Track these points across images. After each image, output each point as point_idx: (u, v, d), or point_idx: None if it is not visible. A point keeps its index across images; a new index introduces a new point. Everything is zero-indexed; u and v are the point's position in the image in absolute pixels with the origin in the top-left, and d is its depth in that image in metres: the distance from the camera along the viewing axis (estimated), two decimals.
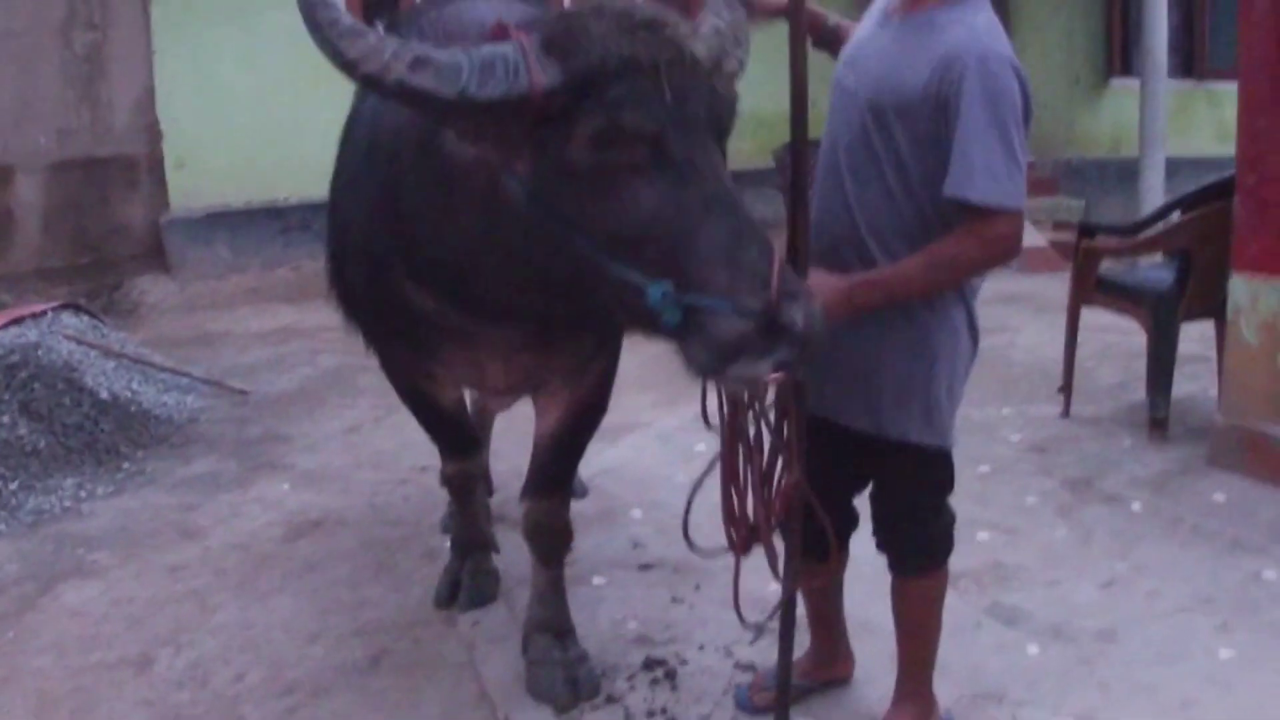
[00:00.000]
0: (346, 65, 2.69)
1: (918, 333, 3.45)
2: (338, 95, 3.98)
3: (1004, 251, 3.26)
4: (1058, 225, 13.27)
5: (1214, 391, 7.27)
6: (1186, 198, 6.96)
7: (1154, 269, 7.02)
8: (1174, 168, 12.76)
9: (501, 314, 3.53)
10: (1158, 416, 6.82)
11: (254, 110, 11.60)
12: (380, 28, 3.64)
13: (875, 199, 3.38)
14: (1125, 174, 13.61)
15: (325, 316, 4.98)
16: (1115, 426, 7.08)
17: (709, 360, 2.73)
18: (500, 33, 2.91)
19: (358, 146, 3.88)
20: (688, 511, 3.58)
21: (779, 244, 2.91)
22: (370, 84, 2.73)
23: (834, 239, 3.42)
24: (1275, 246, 5.98)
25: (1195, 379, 7.60)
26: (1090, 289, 7.16)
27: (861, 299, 3.28)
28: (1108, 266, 7.61)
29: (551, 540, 4.41)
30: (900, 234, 3.36)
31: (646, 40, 2.79)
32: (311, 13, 2.69)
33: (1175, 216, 7.07)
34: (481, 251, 3.22)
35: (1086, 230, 7.24)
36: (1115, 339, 8.53)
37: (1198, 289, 6.71)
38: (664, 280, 2.74)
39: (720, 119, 2.93)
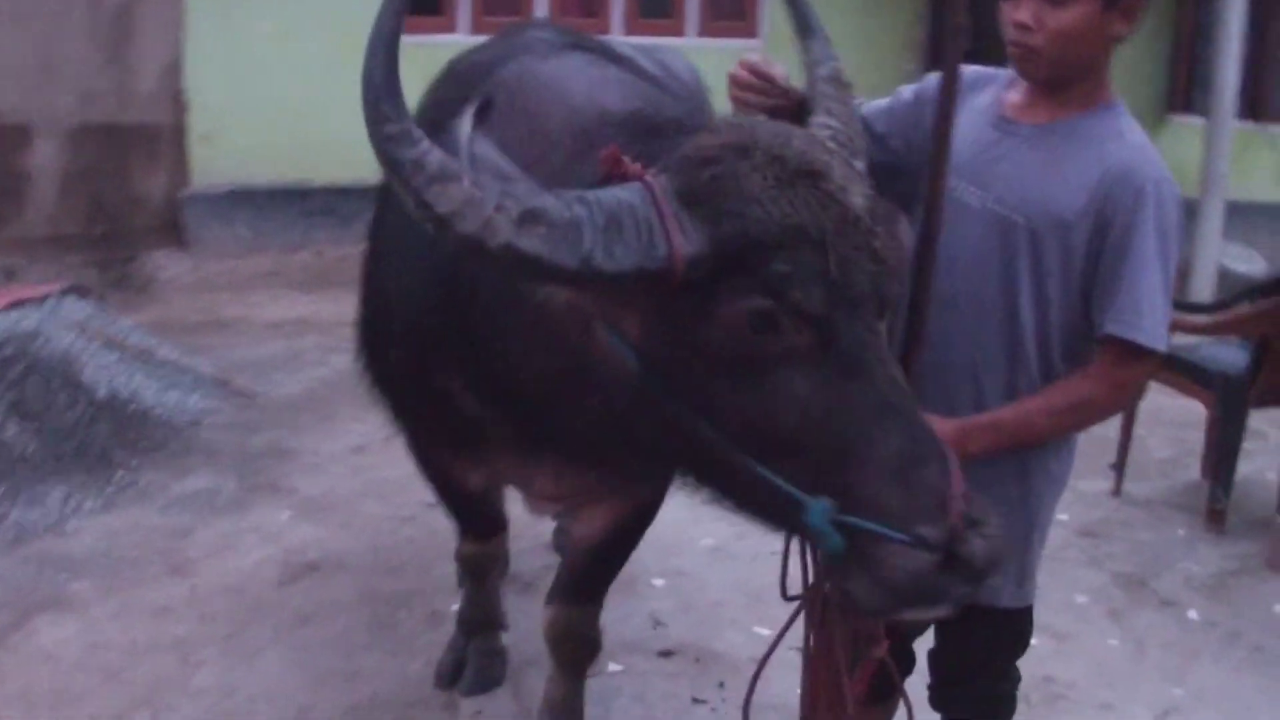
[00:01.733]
0: (437, 222, 2.22)
1: (1025, 488, 3.08)
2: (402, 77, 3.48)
3: (1130, 398, 3.07)
4: None
5: (1271, 475, 7.04)
6: (1267, 283, 6.58)
7: (1224, 348, 6.62)
8: (1232, 210, 12.45)
9: (571, 450, 3.06)
10: (1217, 508, 6.47)
11: (285, 87, 11.19)
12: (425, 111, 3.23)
13: (997, 326, 3.02)
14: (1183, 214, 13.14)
15: (343, 308, 4.53)
16: (1168, 510, 6.73)
17: (881, 600, 2.31)
18: (614, 164, 2.43)
19: None
20: (751, 692, 3.13)
21: None
22: (469, 248, 2.23)
23: (940, 367, 3.00)
24: None
25: (1251, 458, 7.19)
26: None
27: (976, 443, 2.88)
28: (1174, 341, 7.18)
29: (578, 650, 4.04)
30: (1022, 367, 3.03)
31: (809, 199, 2.35)
32: (390, 150, 2.23)
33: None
34: (564, 399, 2.73)
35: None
36: (1166, 403, 8.06)
37: (1271, 376, 6.32)
38: (822, 497, 2.30)
39: (884, 291, 2.45)
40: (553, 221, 2.23)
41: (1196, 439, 7.05)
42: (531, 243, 2.20)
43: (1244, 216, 13.66)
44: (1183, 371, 6.63)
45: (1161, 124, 14.83)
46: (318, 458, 6.98)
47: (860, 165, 2.68)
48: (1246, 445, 6.90)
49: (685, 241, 2.28)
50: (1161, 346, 2.84)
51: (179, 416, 7.32)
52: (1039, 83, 2.97)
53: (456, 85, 3.47)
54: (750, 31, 12.61)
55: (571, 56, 3.40)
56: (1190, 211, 12.44)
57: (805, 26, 3.04)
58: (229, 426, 7.43)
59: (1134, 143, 2.93)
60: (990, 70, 3.20)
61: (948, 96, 2.81)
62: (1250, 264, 13.56)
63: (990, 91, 3.14)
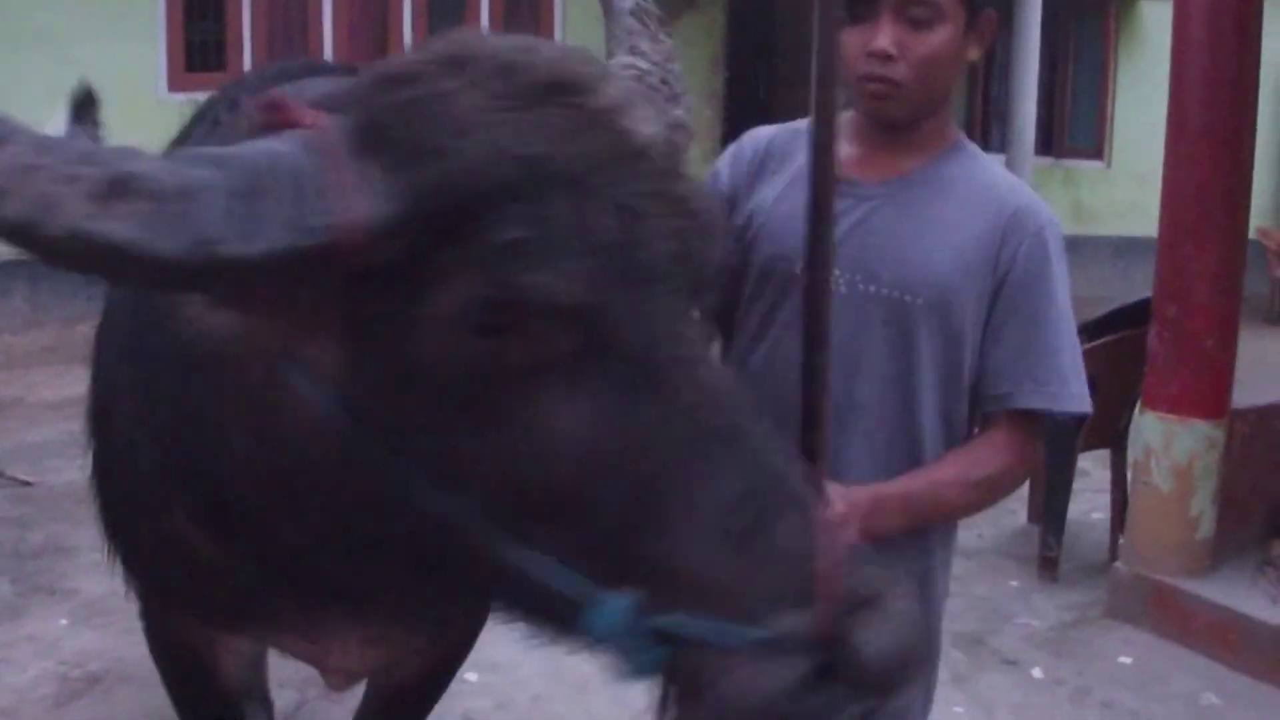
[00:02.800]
0: None
1: (926, 567, 2.63)
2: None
3: (1032, 470, 2.70)
4: None
5: (1098, 515, 6.97)
6: (1089, 324, 6.44)
7: None
8: None
9: (328, 591, 2.10)
10: (1049, 556, 6.35)
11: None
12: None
13: (892, 431, 2.51)
14: None
15: None
16: (999, 560, 6.56)
17: None
18: (276, 112, 1.56)
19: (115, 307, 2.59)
20: None
21: None
22: (22, 241, 1.36)
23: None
24: (1196, 385, 5.49)
25: (1077, 498, 6.98)
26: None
27: (888, 518, 2.39)
28: None
29: None
30: (903, 448, 2.53)
31: (560, 122, 1.55)
32: None
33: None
34: (273, 490, 1.84)
35: None
36: None
37: (1098, 419, 6.14)
38: (619, 589, 1.50)
39: (695, 261, 1.64)
40: (155, 192, 1.38)
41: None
42: (114, 225, 1.35)
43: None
44: None
45: None
46: (98, 553, 6.41)
47: (679, 112, 2.02)
48: (1076, 485, 6.80)
49: (362, 201, 1.46)
50: (1089, 409, 2.58)
51: None
52: (896, 124, 2.51)
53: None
54: None
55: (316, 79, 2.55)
56: None
57: None
58: (4, 522, 6.85)
59: (1010, 183, 2.59)
60: (792, 126, 2.69)
61: (823, 160, 2.13)
62: None
63: (804, 154, 2.42)
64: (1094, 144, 16.08)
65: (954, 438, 2.54)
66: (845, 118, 2.51)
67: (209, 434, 1.92)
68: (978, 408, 2.55)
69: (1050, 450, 6.21)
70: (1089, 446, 6.43)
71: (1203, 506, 5.54)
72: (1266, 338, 13.12)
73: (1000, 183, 2.56)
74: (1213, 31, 5.40)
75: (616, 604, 1.49)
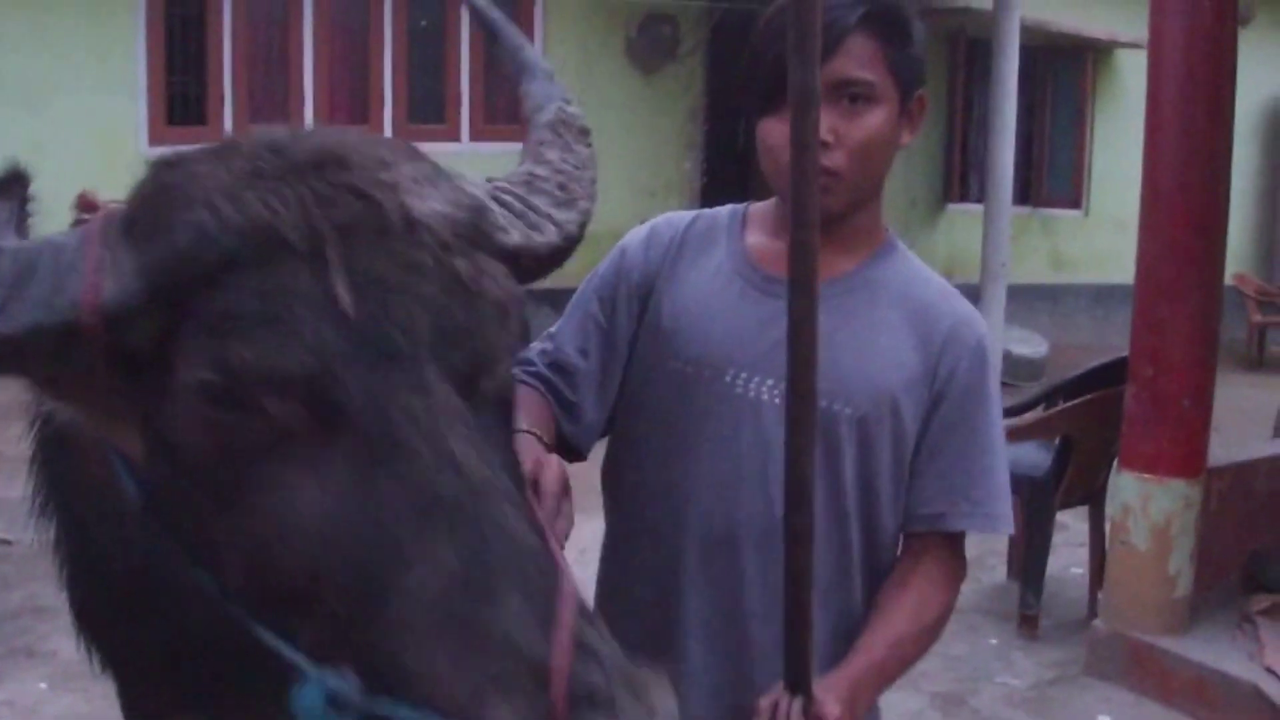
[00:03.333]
0: None
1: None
2: (127, 185, 3.04)
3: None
4: None
5: (1076, 570, 6.98)
6: (1065, 384, 6.51)
7: (1025, 449, 6.49)
8: (1009, 293, 12.68)
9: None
10: (1029, 614, 6.33)
11: (44, 197, 10.62)
12: None
13: (823, 552, 2.19)
14: None
15: None
16: (979, 618, 6.54)
17: None
18: (86, 207, 1.65)
19: None
20: None
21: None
22: None
23: (738, 617, 2.35)
24: (1173, 445, 5.50)
25: (1056, 553, 7.02)
26: None
27: (865, 701, 2.24)
28: None
29: None
30: (849, 595, 2.36)
31: (307, 194, 1.50)
32: None
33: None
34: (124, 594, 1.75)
35: None
36: None
37: (1075, 476, 6.23)
38: (335, 667, 1.42)
39: (467, 339, 1.53)
40: None
41: (1000, 537, 6.82)
42: None
43: (1022, 299, 13.85)
44: None
45: (940, 213, 15.01)
46: None
47: (570, 216, 1.89)
48: (1055, 539, 6.81)
49: (105, 280, 1.45)
50: (1013, 529, 2.44)
51: None
52: (832, 217, 2.21)
53: None
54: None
55: None
56: (972, 297, 12.56)
57: (520, 66, 2.17)
58: None
59: (944, 289, 2.41)
60: (712, 214, 2.53)
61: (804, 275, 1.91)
62: (1033, 346, 13.74)
63: (722, 245, 2.44)
64: (1071, 193, 16.17)
65: (879, 555, 2.37)
66: (766, 208, 2.43)
67: (72, 523, 1.86)
68: (905, 525, 2.37)
69: (1028, 508, 6.26)
70: (1067, 504, 6.43)
71: (1180, 565, 5.56)
72: (1245, 384, 13.16)
73: (935, 289, 2.40)
74: (1185, 92, 5.46)
75: (324, 683, 1.41)
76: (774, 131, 2.23)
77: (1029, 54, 13.34)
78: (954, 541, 2.36)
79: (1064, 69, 15.97)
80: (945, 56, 15.00)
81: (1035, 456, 6.41)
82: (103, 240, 1.47)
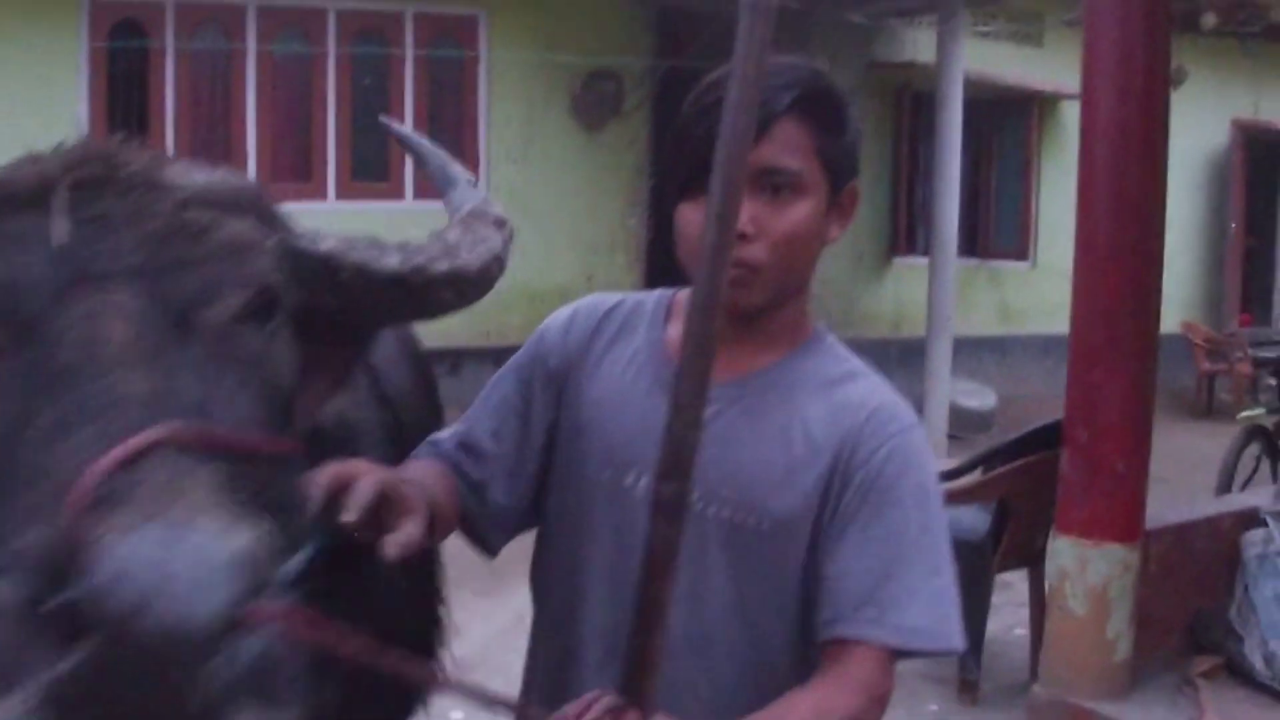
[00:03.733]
0: None
1: None
2: None
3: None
4: None
5: (1020, 631, 6.89)
6: (1001, 448, 6.47)
7: (963, 511, 6.43)
8: (957, 346, 12.71)
9: None
10: (969, 679, 6.26)
11: None
12: None
13: (738, 669, 2.16)
14: (908, 353, 13.36)
15: None
16: (917, 682, 6.43)
17: None
18: None
19: None
20: None
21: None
22: None
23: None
24: (1109, 509, 5.47)
25: (998, 613, 6.96)
26: None
27: None
28: None
29: None
30: (752, 684, 2.14)
31: (61, 161, 1.74)
32: None
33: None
34: None
35: None
36: None
37: (1013, 540, 6.19)
38: None
39: (186, 274, 1.68)
40: None
41: None
42: None
43: (971, 351, 13.85)
44: None
45: (887, 267, 15.02)
46: None
47: (446, 266, 2.01)
48: (995, 600, 6.76)
49: None
50: (958, 645, 2.14)
51: None
52: (751, 312, 2.12)
53: None
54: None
55: None
56: (919, 351, 12.60)
57: (444, 181, 2.32)
58: None
59: (870, 383, 2.21)
60: (636, 298, 2.38)
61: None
62: (981, 398, 13.72)
63: (641, 334, 2.28)
64: (1019, 244, 16.21)
65: (809, 669, 2.12)
66: (683, 295, 2.23)
67: None
68: (813, 633, 2.14)
69: (965, 572, 6.15)
70: (1006, 567, 6.39)
71: (1119, 629, 5.51)
72: (1192, 434, 13.18)
73: (860, 381, 2.20)
74: (1118, 152, 5.45)
75: None
76: (692, 220, 2.06)
77: (975, 107, 13.37)
78: (866, 653, 2.05)
79: (1010, 121, 16.04)
80: (891, 110, 15.07)
81: (973, 520, 6.33)
82: None
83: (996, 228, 16.21)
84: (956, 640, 2.11)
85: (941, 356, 12.40)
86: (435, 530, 2.03)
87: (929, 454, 2.19)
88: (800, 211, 2.08)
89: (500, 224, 2.16)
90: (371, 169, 12.47)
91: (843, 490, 2.10)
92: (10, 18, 11.04)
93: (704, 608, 2.13)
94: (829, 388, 2.17)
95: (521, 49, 12.65)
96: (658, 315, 2.31)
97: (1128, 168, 5.42)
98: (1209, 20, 12.65)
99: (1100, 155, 5.50)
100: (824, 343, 2.25)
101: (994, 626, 6.79)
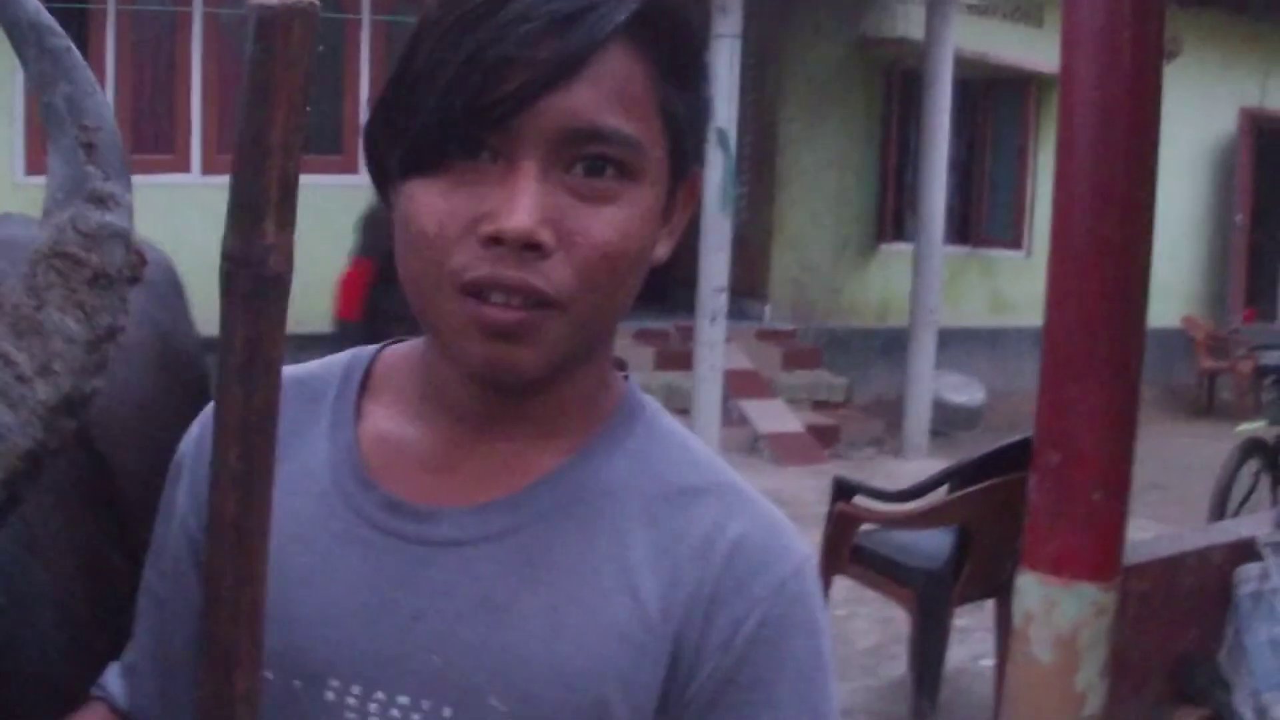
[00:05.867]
0: None
1: None
2: (8, 210, 2.49)
3: None
4: (818, 405, 12.32)
5: (986, 662, 6.30)
6: (965, 466, 5.90)
7: (923, 538, 5.89)
8: (945, 338, 12.37)
9: None
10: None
11: None
12: None
13: None
14: (893, 344, 12.99)
15: None
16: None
17: None
18: None
19: None
20: None
21: None
22: None
23: None
24: (1082, 542, 4.83)
25: (966, 639, 6.53)
26: (844, 559, 6.02)
27: None
28: (866, 530, 6.37)
29: None
30: None
31: None
32: None
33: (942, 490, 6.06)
34: None
35: (844, 489, 6.07)
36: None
37: (976, 569, 5.65)
38: None
39: None
40: None
41: (904, 617, 6.22)
42: None
43: (959, 343, 13.55)
44: (879, 567, 5.90)
45: (873, 254, 14.62)
46: None
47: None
48: (964, 624, 6.35)
49: None
50: None
51: None
52: (532, 382, 1.23)
53: None
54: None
55: None
56: (904, 342, 12.17)
57: (44, 111, 1.15)
58: None
59: (729, 494, 1.30)
60: (305, 372, 1.38)
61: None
62: (969, 393, 13.35)
63: (322, 431, 1.34)
64: (1013, 232, 15.77)
65: None
66: (406, 358, 1.37)
67: None
68: None
69: (922, 604, 5.65)
70: (968, 598, 5.85)
71: (1090, 680, 4.89)
72: (1193, 434, 12.89)
73: (708, 493, 1.29)
74: (1100, 139, 4.80)
75: None
76: (431, 205, 1.17)
77: (968, 87, 12.98)
78: None
79: (1005, 103, 15.57)
80: (879, 89, 14.63)
81: (933, 545, 5.79)
82: None
83: (990, 214, 15.77)
84: None
85: (926, 348, 12.01)
86: None
87: (821, 607, 1.31)
88: (633, 209, 1.20)
89: (108, 283, 1.09)
90: (326, 141, 11.97)
91: (686, 685, 1.24)
92: None
93: None
94: (659, 506, 1.29)
95: None
96: (347, 398, 1.36)
97: (1112, 155, 4.77)
98: None
99: (1080, 140, 4.85)
100: (640, 419, 1.34)
101: (959, 655, 6.30)
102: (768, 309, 13.86)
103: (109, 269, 1.08)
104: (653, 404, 1.36)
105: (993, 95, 15.33)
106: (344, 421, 1.33)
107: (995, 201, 15.79)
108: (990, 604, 6.37)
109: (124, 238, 1.09)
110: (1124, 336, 4.81)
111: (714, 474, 1.32)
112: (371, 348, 1.39)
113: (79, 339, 1.05)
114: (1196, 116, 15.00)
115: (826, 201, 13.92)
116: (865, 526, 6.04)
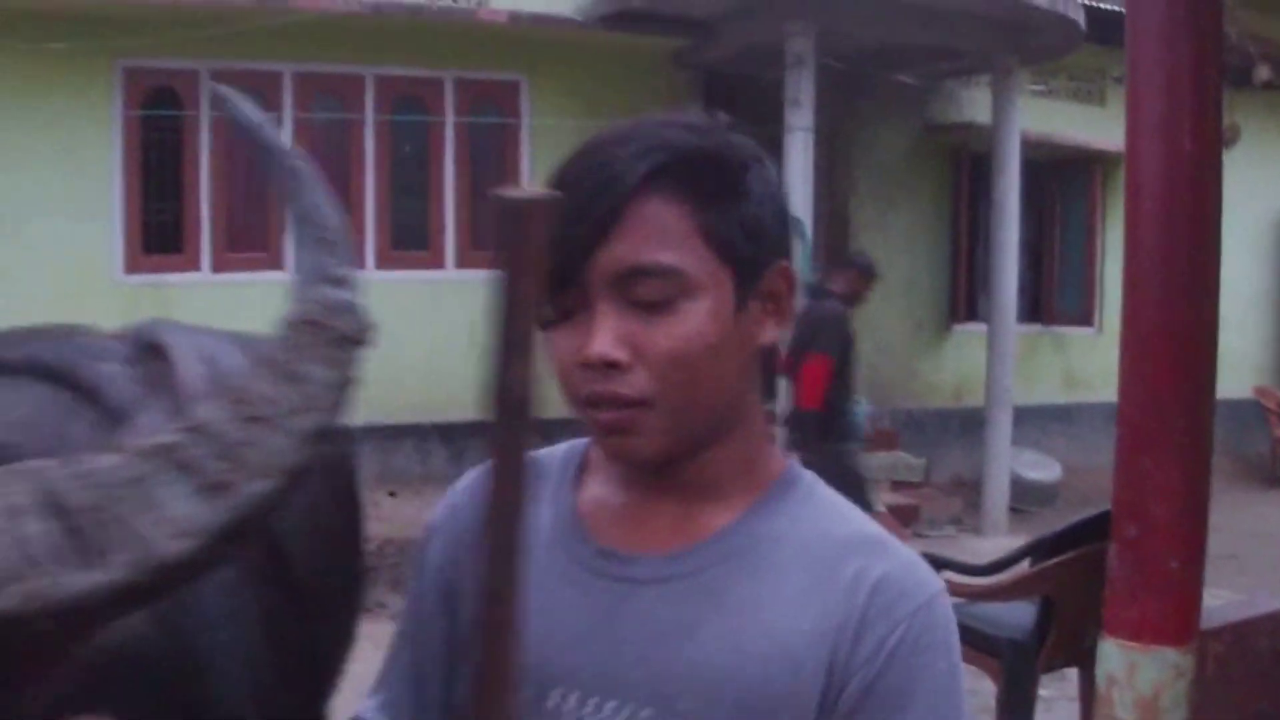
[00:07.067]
0: None
1: None
2: (102, 313, 2.98)
3: None
4: (896, 485, 12.45)
5: None
6: (1046, 540, 6.06)
7: (1008, 609, 6.04)
8: (1020, 416, 12.39)
9: None
10: None
11: (14, 324, 10.56)
12: None
13: None
14: (969, 424, 13.05)
15: None
16: None
17: None
18: None
19: None
20: None
21: None
22: None
23: None
24: (1160, 608, 4.99)
25: (1049, 708, 6.67)
26: None
27: None
28: (954, 603, 6.55)
29: None
30: None
31: None
32: None
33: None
34: None
35: (932, 564, 6.21)
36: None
37: (1060, 638, 5.77)
38: None
39: None
40: None
41: (988, 695, 6.27)
42: None
43: (1035, 421, 13.58)
44: (963, 639, 5.98)
45: (947, 333, 14.70)
46: None
47: (199, 514, 1.25)
48: (1048, 694, 6.47)
49: None
50: None
51: None
52: (655, 464, 1.58)
53: None
54: None
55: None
56: (980, 421, 12.27)
57: (293, 215, 1.65)
58: None
59: (868, 538, 1.61)
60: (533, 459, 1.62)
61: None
62: (1045, 470, 13.37)
63: (546, 502, 1.70)
64: (1083, 309, 15.80)
65: None
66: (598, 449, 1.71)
67: None
68: None
69: (1009, 673, 5.79)
70: (1052, 666, 5.97)
71: None
72: (1267, 503, 12.82)
73: (863, 540, 1.60)
74: (1165, 224, 5.03)
75: None
76: (557, 346, 1.54)
77: (1035, 168, 13.12)
78: None
79: (1072, 182, 15.65)
80: (948, 173, 14.78)
81: (1017, 616, 5.95)
82: None
83: (1060, 292, 15.82)
84: None
85: (1002, 427, 12.12)
86: None
87: (954, 633, 1.61)
88: (691, 320, 1.51)
89: (343, 345, 1.47)
90: (411, 238, 12.34)
91: (838, 696, 1.52)
92: (43, 82, 11.02)
93: None
94: (814, 553, 1.59)
95: (564, 115, 12.40)
96: (567, 474, 1.73)
97: (1177, 235, 4.98)
98: (1262, 73, 12.17)
99: (1146, 221, 5.08)
100: (798, 488, 1.66)
101: None
102: None
103: (345, 332, 1.45)
104: (810, 476, 1.68)
105: (1059, 175, 15.44)
106: (567, 489, 1.69)
107: (1065, 279, 15.85)
108: (1073, 676, 6.54)
109: (354, 310, 1.48)
110: (1195, 410, 5.01)
111: (860, 528, 1.62)
112: (584, 440, 1.74)
113: (327, 384, 1.40)
114: (1258, 193, 15.08)
115: (899, 284, 13.97)
116: (952, 600, 6.20)
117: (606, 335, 1.49)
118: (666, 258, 1.50)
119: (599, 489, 1.67)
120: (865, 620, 1.52)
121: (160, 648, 1.66)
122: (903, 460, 13.07)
